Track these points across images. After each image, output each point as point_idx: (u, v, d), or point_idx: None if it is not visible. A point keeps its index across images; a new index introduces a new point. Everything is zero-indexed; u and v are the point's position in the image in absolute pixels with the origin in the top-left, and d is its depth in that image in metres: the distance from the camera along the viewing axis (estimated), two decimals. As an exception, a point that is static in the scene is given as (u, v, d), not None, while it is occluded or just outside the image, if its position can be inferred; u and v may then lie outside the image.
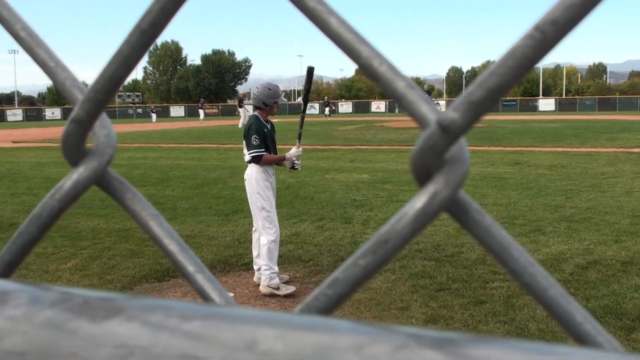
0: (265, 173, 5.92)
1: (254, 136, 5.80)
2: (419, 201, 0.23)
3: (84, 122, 0.30)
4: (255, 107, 5.95)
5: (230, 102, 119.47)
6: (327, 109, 59.36)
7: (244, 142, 6.00)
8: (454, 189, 0.23)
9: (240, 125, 38.51)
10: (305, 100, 5.71)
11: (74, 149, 0.31)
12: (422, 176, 0.24)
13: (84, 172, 0.31)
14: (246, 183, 6.02)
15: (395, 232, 0.23)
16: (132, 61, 0.27)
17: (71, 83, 0.33)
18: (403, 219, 0.24)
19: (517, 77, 0.22)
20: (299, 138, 5.94)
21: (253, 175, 5.93)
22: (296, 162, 5.87)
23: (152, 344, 0.18)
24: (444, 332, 0.18)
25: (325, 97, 68.83)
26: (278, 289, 5.74)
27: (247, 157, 5.98)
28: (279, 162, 5.88)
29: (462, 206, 0.25)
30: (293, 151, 5.85)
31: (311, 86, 5.70)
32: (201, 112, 57.40)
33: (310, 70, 5.47)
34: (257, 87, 5.91)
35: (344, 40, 0.26)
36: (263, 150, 5.79)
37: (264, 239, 5.78)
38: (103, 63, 0.29)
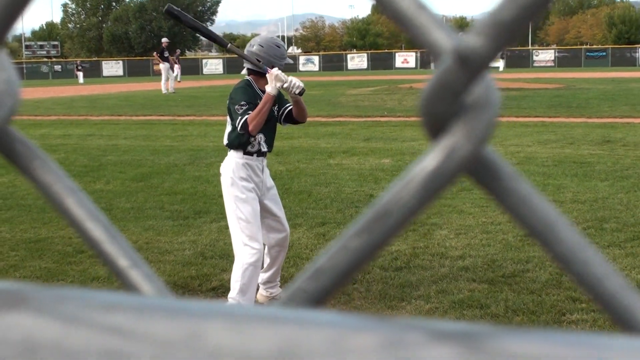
0: (247, 167, 5.93)
1: (240, 103, 5.80)
2: (431, 160, 0.25)
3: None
4: (251, 72, 6.00)
5: (189, 54, 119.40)
6: (176, 67, 58.24)
7: (228, 116, 6.04)
8: (478, 144, 0.25)
9: (164, 91, 38.36)
10: (212, 39, 6.17)
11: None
12: (436, 127, 0.25)
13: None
14: (221, 179, 6.07)
15: (398, 202, 0.25)
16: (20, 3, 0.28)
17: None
18: (410, 184, 0.25)
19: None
20: (260, 66, 5.95)
21: (229, 168, 5.96)
22: (286, 84, 5.80)
23: (64, 338, 0.19)
24: (452, 323, 0.20)
25: (177, 51, 68.16)
26: None
27: (225, 139, 6.02)
28: (269, 105, 5.79)
29: (490, 168, 0.26)
30: (270, 79, 5.81)
31: (195, 22, 6.10)
32: (176, 67, 57.78)
33: (174, 12, 5.92)
34: (260, 45, 5.97)
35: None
36: (248, 113, 5.75)
37: (238, 260, 5.81)
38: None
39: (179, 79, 56.13)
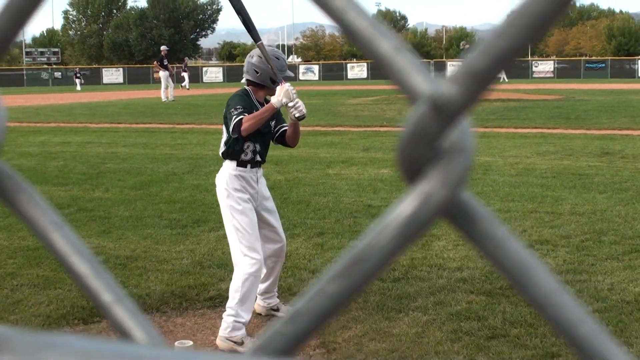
0: (240, 179, 5.91)
1: (236, 107, 5.78)
2: (407, 206, 0.25)
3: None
4: (250, 82, 6.00)
5: (189, 62, 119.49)
6: (185, 76, 58.60)
7: (224, 125, 6.02)
8: (453, 189, 0.25)
9: (163, 99, 38.51)
10: (248, 28, 5.95)
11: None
12: (412, 172, 0.25)
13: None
14: (216, 190, 6.08)
15: (375, 247, 0.25)
16: (25, 14, 0.29)
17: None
18: (386, 229, 0.25)
19: (531, 39, 0.23)
20: (278, 75, 5.93)
21: (223, 180, 5.96)
22: (292, 103, 5.76)
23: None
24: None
25: (185, 58, 68.68)
26: (242, 343, 5.78)
27: (222, 148, 6.02)
28: (268, 114, 5.76)
29: (466, 212, 0.27)
30: (279, 91, 5.77)
31: (245, 15, 5.97)
32: (185, 75, 58.19)
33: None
34: (259, 56, 5.95)
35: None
36: (244, 114, 5.72)
37: (238, 271, 5.79)
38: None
39: (187, 87, 56.61)
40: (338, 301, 0.27)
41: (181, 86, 55.72)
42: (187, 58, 67.48)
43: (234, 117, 5.66)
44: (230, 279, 6.88)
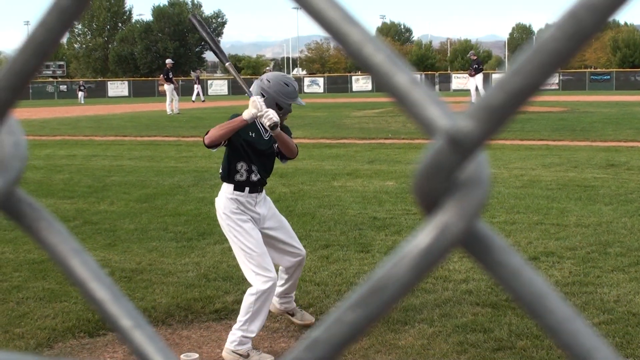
0: (237, 202, 5.91)
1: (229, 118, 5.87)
2: (424, 237, 0.26)
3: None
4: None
5: (194, 75, 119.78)
6: (196, 88, 58.77)
7: None
8: (470, 221, 0.26)
9: (169, 112, 39.13)
10: (215, 52, 6.31)
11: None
12: (429, 203, 0.26)
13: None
14: (216, 214, 6.11)
15: (392, 277, 0.26)
16: (47, 48, 0.30)
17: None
18: (403, 260, 0.26)
19: (546, 77, 0.24)
20: (247, 90, 5.98)
21: (221, 203, 5.98)
22: (260, 113, 5.68)
23: None
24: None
25: (198, 70, 69.19)
26: (248, 356, 5.77)
27: (220, 170, 6.06)
28: (234, 124, 5.76)
29: (482, 241, 0.27)
30: (250, 101, 5.81)
31: (209, 35, 6.30)
32: (197, 88, 58.45)
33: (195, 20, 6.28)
34: (267, 80, 5.97)
35: (326, 19, 0.28)
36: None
37: (253, 287, 5.78)
38: (8, 50, 0.32)
39: (202, 99, 56.89)
40: (355, 330, 0.27)
41: (193, 100, 55.79)
42: (199, 70, 67.83)
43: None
44: (236, 292, 6.91)
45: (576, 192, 12.23)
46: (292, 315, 6.47)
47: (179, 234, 9.69)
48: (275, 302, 6.33)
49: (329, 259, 8.33)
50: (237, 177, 5.87)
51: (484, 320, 6.25)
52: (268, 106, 5.81)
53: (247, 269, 5.80)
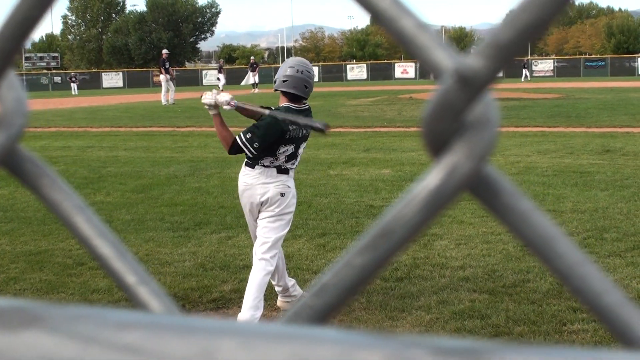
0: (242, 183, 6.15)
1: (257, 128, 5.92)
2: (433, 178, 0.25)
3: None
4: (285, 94, 6.05)
5: (189, 65, 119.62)
6: (251, 76, 57.81)
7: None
8: (479, 162, 0.25)
9: (164, 102, 39.24)
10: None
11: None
12: (437, 145, 0.26)
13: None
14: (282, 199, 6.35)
15: (401, 220, 0.26)
16: (32, 21, 0.29)
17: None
18: (412, 202, 0.26)
19: (555, 13, 0.24)
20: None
21: (291, 184, 6.22)
22: (218, 100, 5.95)
23: (81, 357, 0.20)
24: (455, 340, 0.21)
25: (221, 60, 68.95)
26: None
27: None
28: (220, 127, 6.12)
29: (490, 185, 0.27)
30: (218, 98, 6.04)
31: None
32: (221, 76, 58.12)
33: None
34: (297, 68, 6.05)
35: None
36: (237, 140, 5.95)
37: (262, 267, 5.90)
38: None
39: (221, 88, 56.67)
40: (364, 274, 0.27)
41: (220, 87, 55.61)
42: (222, 60, 67.61)
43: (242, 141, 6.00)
44: (233, 281, 6.93)
45: (572, 178, 12.25)
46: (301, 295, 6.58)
47: (176, 224, 9.68)
48: (282, 301, 6.49)
49: (325, 247, 8.34)
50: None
51: (481, 307, 6.26)
52: (292, 89, 5.98)
53: (273, 249, 5.94)
